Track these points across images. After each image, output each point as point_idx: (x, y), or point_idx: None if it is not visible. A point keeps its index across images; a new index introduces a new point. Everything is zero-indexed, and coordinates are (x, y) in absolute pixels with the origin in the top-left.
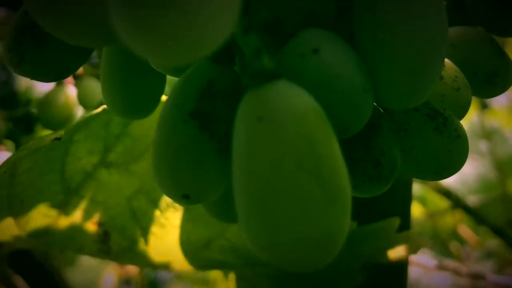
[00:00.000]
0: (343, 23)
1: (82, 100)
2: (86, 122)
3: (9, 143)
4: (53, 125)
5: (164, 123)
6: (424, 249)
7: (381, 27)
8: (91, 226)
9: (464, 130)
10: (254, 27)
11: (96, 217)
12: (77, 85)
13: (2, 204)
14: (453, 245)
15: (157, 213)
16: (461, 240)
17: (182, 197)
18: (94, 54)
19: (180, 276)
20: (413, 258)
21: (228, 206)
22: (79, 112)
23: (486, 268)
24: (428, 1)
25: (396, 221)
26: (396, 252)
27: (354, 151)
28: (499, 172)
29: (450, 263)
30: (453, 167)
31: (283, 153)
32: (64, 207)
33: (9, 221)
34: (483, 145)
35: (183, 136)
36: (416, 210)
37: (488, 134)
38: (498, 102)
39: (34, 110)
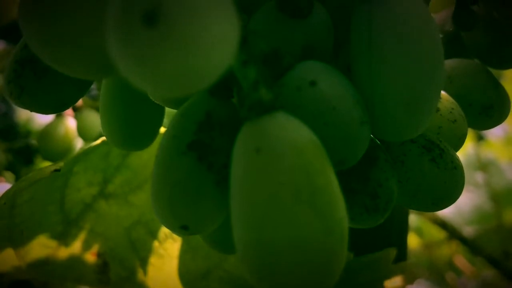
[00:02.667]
0: (340, 55)
1: (82, 132)
2: (85, 153)
3: (9, 175)
4: (53, 157)
5: (162, 155)
6: (420, 279)
7: (377, 59)
8: (91, 257)
9: (460, 162)
10: (252, 60)
11: (95, 248)
12: (76, 117)
13: (2, 234)
14: (449, 276)
15: (156, 244)
16: (457, 271)
17: (181, 228)
18: (93, 86)
19: None
20: None
21: (226, 237)
22: (79, 143)
23: None
24: (424, 33)
25: (392, 252)
26: (393, 283)
27: (351, 183)
28: (494, 204)
29: None
30: (450, 198)
31: (280, 184)
32: (64, 238)
33: (9, 252)
34: (479, 177)
35: (182, 167)
36: (413, 241)
37: (484, 165)
38: (494, 134)
39: (33, 141)
